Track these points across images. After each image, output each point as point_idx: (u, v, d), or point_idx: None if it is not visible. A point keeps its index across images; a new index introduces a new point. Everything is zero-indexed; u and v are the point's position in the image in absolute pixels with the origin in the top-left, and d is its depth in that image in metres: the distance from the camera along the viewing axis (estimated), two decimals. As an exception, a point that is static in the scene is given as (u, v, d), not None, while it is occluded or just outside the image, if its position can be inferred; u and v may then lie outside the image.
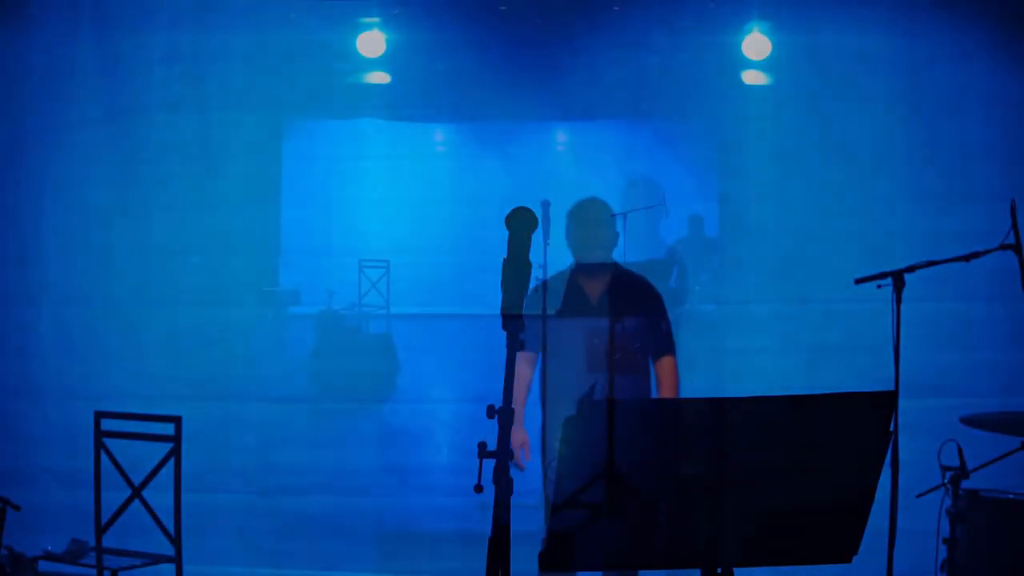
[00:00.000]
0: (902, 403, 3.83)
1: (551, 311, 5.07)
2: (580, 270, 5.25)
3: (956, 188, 6.03)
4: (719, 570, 3.10)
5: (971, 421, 4.90)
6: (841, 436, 3.07)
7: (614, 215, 5.30)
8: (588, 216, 5.24)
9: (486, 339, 5.82)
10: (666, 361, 5.22)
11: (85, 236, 6.31)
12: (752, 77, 6.27)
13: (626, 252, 5.47)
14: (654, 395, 5.14)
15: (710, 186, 6.29)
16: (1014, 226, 4.67)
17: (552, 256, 5.25)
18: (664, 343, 5.26)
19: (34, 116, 6.34)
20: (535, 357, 5.12)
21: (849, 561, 3.18)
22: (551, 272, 5.14)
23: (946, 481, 4.71)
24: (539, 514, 5.11)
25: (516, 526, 2.96)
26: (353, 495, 6.22)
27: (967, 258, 4.82)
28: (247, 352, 6.18)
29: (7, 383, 6.33)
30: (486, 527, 2.92)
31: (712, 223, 6.39)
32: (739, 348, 6.13)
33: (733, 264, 6.26)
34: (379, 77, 6.37)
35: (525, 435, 5.15)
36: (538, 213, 3.75)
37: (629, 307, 5.23)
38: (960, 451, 4.68)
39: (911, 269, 4.80)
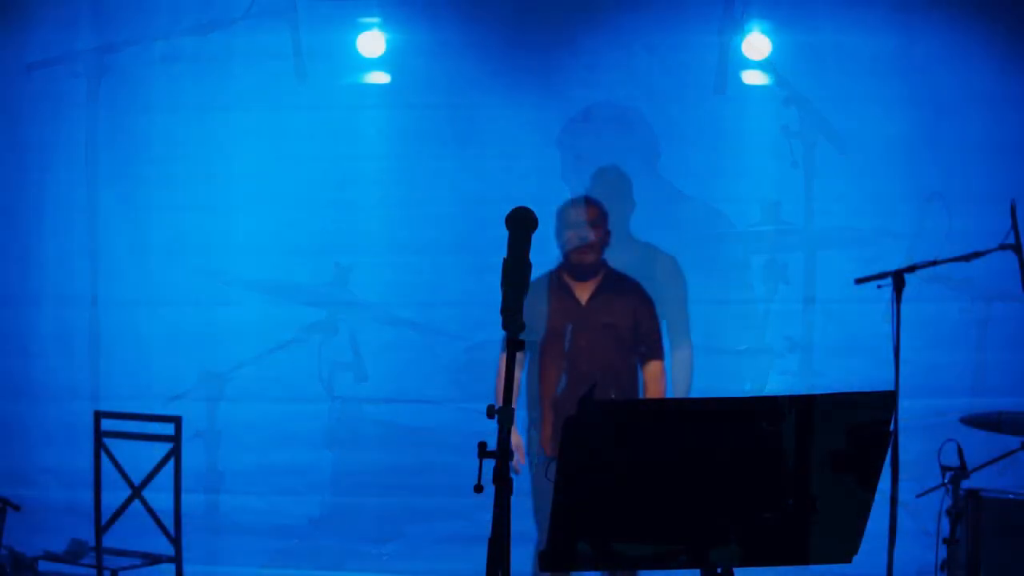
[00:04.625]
0: (902, 403, 3.83)
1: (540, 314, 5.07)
2: (570, 271, 5.24)
3: (956, 188, 6.03)
4: (719, 570, 3.10)
5: (971, 421, 4.90)
6: (841, 436, 3.07)
7: (606, 215, 5.29)
8: (578, 216, 5.23)
9: (486, 339, 5.84)
10: (654, 365, 5.25)
11: (85, 236, 6.31)
12: (752, 77, 6.27)
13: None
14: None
15: (710, 186, 6.28)
16: (1014, 226, 4.68)
17: (550, 256, 5.25)
18: (652, 347, 5.26)
19: (33, 115, 6.34)
20: (523, 358, 5.11)
21: (849, 561, 3.18)
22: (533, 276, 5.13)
23: (946, 481, 4.71)
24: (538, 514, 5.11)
25: (516, 526, 2.96)
26: (353, 495, 6.22)
27: (967, 258, 4.82)
28: (247, 352, 6.18)
29: (7, 383, 6.33)
30: (486, 527, 2.91)
31: (711, 223, 6.38)
32: (739, 348, 6.13)
33: (732, 263, 6.26)
34: (379, 77, 6.36)
35: (518, 437, 5.14)
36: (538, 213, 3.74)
37: (619, 309, 5.22)
38: (960, 451, 4.68)
39: (911, 269, 4.80)
